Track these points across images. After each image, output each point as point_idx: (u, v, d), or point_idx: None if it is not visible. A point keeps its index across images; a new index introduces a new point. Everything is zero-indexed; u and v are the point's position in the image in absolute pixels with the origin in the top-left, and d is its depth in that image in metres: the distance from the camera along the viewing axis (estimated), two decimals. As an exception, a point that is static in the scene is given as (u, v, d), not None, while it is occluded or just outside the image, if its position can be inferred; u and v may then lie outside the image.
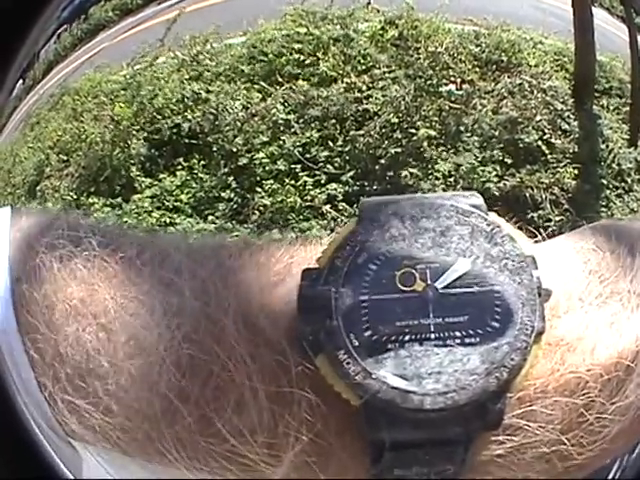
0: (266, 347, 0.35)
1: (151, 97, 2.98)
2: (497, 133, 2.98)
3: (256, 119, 2.88)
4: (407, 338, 0.33)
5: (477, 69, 3.07)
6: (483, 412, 0.34)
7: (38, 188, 3.21)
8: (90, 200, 3.01)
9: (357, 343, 0.33)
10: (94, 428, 0.39)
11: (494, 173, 2.93)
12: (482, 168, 2.91)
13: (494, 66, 3.11)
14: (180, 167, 2.93)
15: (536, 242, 0.41)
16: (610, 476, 0.47)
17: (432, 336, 0.33)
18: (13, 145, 3.45)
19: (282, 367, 0.35)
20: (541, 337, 0.35)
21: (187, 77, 2.98)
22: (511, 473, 0.37)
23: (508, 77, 3.10)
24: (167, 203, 2.90)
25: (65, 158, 3.11)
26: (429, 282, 0.34)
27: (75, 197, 3.05)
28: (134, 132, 2.96)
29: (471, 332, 0.34)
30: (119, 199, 2.97)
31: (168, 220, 2.87)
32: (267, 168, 2.85)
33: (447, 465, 0.35)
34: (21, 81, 3.66)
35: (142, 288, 0.39)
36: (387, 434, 0.34)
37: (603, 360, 0.36)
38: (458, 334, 0.34)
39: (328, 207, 2.81)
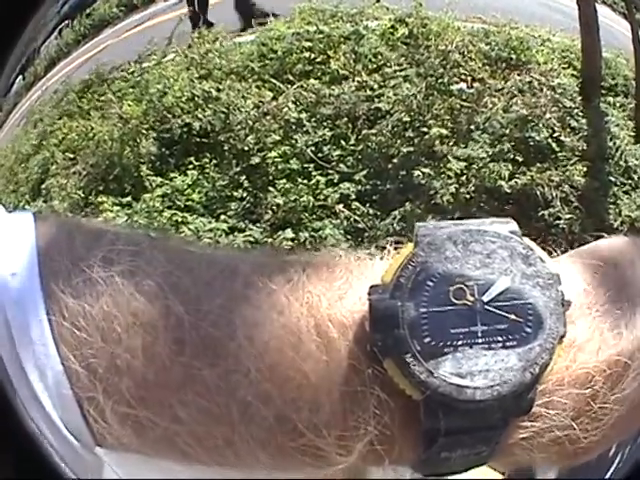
0: (339, 353, 0.41)
1: (160, 96, 3.04)
2: (508, 131, 3.08)
3: (268, 118, 2.95)
4: (460, 343, 0.41)
5: (487, 67, 3.16)
6: (520, 401, 0.42)
7: (43, 186, 3.26)
8: (99, 199, 3.06)
9: (419, 348, 0.41)
10: (156, 438, 0.42)
11: (505, 171, 3.02)
12: (494, 166, 3.00)
13: (504, 64, 3.21)
14: (191, 166, 2.99)
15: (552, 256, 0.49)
16: (612, 467, 0.56)
17: (480, 341, 0.41)
18: (15, 142, 3.49)
19: (354, 370, 0.41)
20: (563, 339, 0.43)
21: (197, 76, 3.04)
22: (531, 454, 0.45)
23: (518, 75, 3.19)
24: (178, 202, 2.96)
25: (72, 156, 3.16)
26: (477, 296, 0.42)
27: (83, 196, 3.10)
28: (144, 131, 3.02)
29: (510, 337, 0.42)
30: (129, 198, 3.03)
31: (179, 219, 2.93)
32: (279, 167, 2.92)
33: (483, 447, 0.44)
34: (21, 77, 3.70)
35: (215, 302, 0.42)
36: (443, 423, 0.42)
37: (606, 357, 0.44)
38: (500, 339, 0.42)
39: (341, 206, 2.88)
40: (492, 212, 3.05)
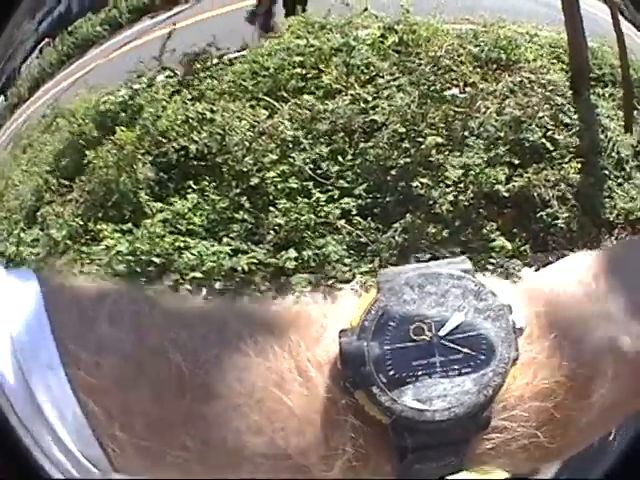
0: (317, 388, 0.50)
1: (154, 119, 3.03)
2: (502, 134, 3.12)
3: (264, 137, 2.96)
4: (420, 373, 0.49)
5: (478, 69, 3.19)
6: (476, 419, 0.50)
7: (38, 214, 3.26)
8: (98, 226, 3.08)
9: (385, 380, 0.48)
10: (168, 463, 0.50)
11: (502, 175, 3.07)
12: (490, 171, 3.05)
13: (494, 65, 3.24)
14: (191, 190, 3.01)
15: (544, 265, 0.57)
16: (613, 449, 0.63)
17: (438, 370, 0.49)
18: (4, 167, 3.48)
19: (331, 402, 0.49)
20: (516, 362, 0.50)
21: (189, 97, 3.04)
22: (500, 461, 0.52)
23: (509, 75, 3.23)
24: (180, 227, 2.98)
25: (67, 183, 3.16)
26: (434, 332, 0.49)
27: (82, 223, 3.11)
28: (139, 156, 3.02)
29: (465, 365, 0.49)
30: (129, 224, 3.04)
31: (182, 244, 2.95)
32: (279, 187, 2.95)
33: (452, 458, 0.51)
34: (3, 98, 3.67)
35: (211, 352, 0.50)
36: (410, 441, 0.49)
37: (568, 372, 0.51)
38: (456, 367, 0.49)
39: (343, 222, 2.92)
40: (491, 217, 3.10)
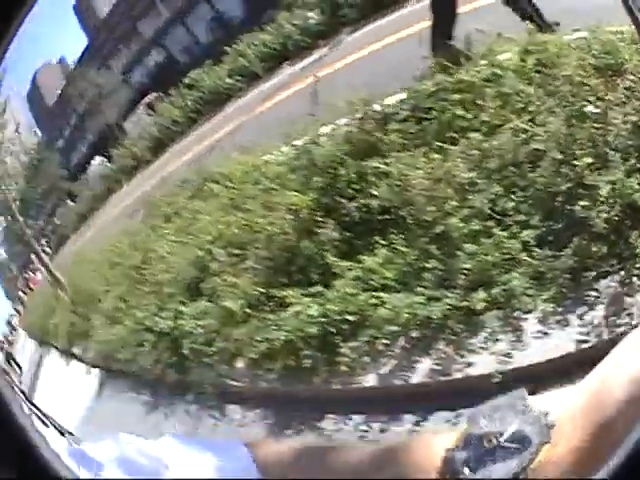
0: None
1: (327, 180, 3.00)
2: (631, 142, 3.31)
3: (441, 184, 3.01)
4: (488, 464, 0.75)
5: (602, 79, 3.33)
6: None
7: (205, 286, 3.17)
8: (284, 292, 3.06)
9: (467, 471, 0.74)
10: None
11: (636, 184, 3.27)
12: (628, 182, 3.25)
13: (609, 71, 3.39)
14: (379, 245, 3.03)
15: None
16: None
17: (499, 459, 0.75)
18: (134, 237, 3.30)
19: None
20: (547, 442, 0.74)
21: (360, 152, 3.01)
22: None
23: (621, 80, 3.39)
24: (373, 283, 3.01)
25: (237, 252, 3.08)
26: (498, 439, 0.75)
27: (263, 291, 3.07)
28: (319, 218, 2.99)
29: (514, 452, 0.74)
30: (319, 287, 3.04)
31: (376, 300, 3.00)
32: (463, 231, 3.02)
33: None
34: (103, 159, 3.43)
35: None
36: None
37: (588, 444, 0.74)
38: (509, 454, 0.74)
39: (524, 255, 3.05)
40: (634, 226, 3.31)
